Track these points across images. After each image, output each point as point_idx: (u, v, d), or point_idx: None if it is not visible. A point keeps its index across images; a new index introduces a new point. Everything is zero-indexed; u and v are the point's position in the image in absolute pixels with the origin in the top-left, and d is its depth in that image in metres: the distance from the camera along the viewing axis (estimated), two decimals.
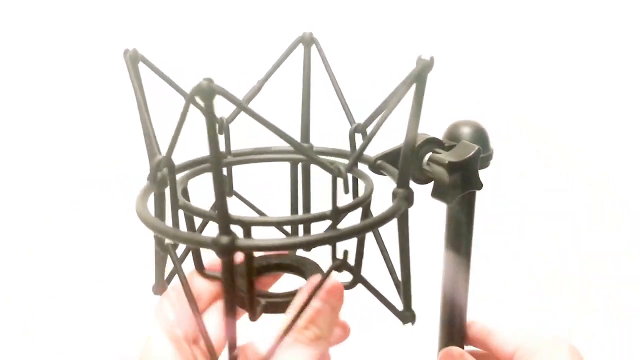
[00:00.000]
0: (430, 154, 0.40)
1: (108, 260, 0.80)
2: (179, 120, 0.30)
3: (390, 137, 0.42)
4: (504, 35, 0.78)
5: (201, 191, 0.41)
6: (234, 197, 0.43)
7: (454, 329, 0.47)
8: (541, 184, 0.80)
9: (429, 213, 0.52)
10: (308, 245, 0.29)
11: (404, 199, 0.32)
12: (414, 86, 0.31)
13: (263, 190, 0.47)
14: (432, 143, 0.40)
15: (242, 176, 0.43)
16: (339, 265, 0.31)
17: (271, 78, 0.41)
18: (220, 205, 0.27)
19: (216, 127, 0.26)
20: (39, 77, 0.79)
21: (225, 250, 0.27)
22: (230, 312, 0.29)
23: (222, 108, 0.40)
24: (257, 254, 0.38)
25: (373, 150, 0.40)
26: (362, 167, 0.40)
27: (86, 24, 0.78)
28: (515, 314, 0.82)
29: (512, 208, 0.81)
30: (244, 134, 0.43)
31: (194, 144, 0.40)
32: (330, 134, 0.43)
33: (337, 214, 0.31)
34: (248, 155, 0.42)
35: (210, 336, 0.32)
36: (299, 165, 0.42)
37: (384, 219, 0.31)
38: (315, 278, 0.32)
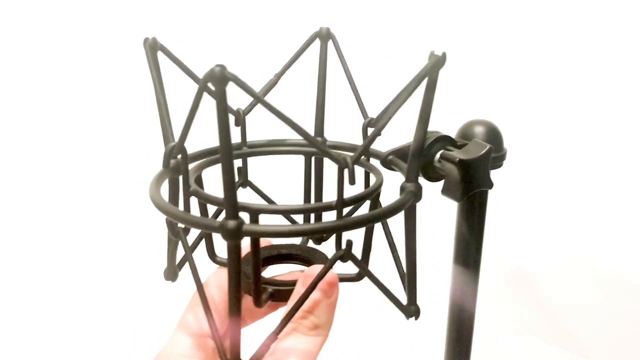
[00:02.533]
0: (442, 151, 0.41)
1: (121, 251, 0.81)
2: (191, 107, 0.30)
3: (404, 133, 0.44)
4: (521, 33, 0.79)
5: (219, 180, 0.42)
6: (248, 188, 0.43)
7: (462, 337, 0.48)
8: (557, 185, 0.81)
9: (440, 213, 0.53)
10: (312, 233, 0.29)
11: (410, 193, 0.33)
12: (425, 82, 0.31)
13: (278, 181, 0.48)
14: (444, 141, 0.42)
15: (258, 168, 0.44)
16: (342, 255, 0.32)
17: (288, 72, 0.41)
18: (228, 191, 0.27)
19: (227, 113, 0.26)
20: (48, 69, 0.79)
21: (232, 235, 0.27)
22: (235, 299, 0.29)
23: (239, 100, 0.41)
24: (264, 242, 0.39)
25: (388, 147, 0.41)
26: (375, 162, 0.41)
27: (103, 13, 0.78)
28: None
29: (525, 209, 0.83)
30: (261, 126, 0.43)
31: (212, 134, 0.41)
32: (345, 128, 0.43)
33: (342, 204, 0.31)
34: (262, 147, 0.42)
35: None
36: (312, 158, 0.43)
37: (390, 212, 0.32)
38: (314, 268, 0.32)
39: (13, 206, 0.81)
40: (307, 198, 0.43)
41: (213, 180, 0.42)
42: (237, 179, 0.43)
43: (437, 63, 0.30)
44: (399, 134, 0.42)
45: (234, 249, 0.28)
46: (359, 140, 0.42)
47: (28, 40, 0.78)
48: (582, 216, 0.80)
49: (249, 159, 0.43)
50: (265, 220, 0.31)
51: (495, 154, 0.44)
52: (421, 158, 0.42)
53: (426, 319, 0.37)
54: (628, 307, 0.80)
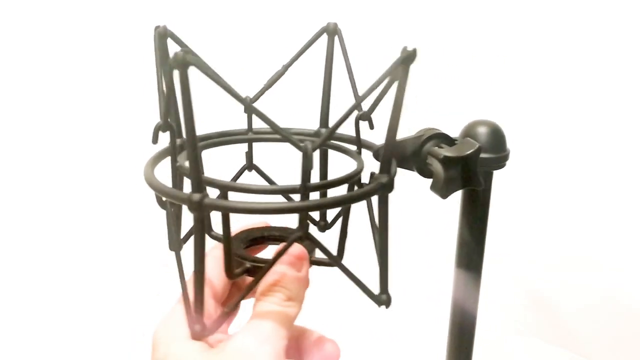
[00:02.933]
0: (431, 148, 0.42)
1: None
2: (166, 88, 0.32)
3: (406, 128, 0.45)
4: (521, 33, 0.79)
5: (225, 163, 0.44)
6: (254, 171, 0.46)
7: (464, 337, 0.49)
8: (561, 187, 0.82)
9: (443, 213, 0.54)
10: (273, 212, 0.30)
11: (380, 184, 0.33)
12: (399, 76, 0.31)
13: (291, 168, 0.50)
14: (439, 138, 0.43)
15: (268, 154, 0.46)
16: (300, 236, 0.33)
17: (296, 64, 0.43)
18: (192, 166, 0.29)
19: (190, 93, 0.27)
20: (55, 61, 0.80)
21: (194, 207, 0.29)
22: (199, 269, 0.31)
23: (249, 87, 0.44)
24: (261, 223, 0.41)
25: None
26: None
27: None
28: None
29: (526, 210, 0.83)
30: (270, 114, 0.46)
31: (221, 118, 0.44)
32: (351, 121, 0.45)
33: (306, 188, 0.32)
34: (267, 134, 0.45)
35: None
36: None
37: (352, 199, 0.33)
38: (282, 246, 0.33)
39: (9, 205, 0.81)
40: None
41: (221, 164, 0.45)
42: (244, 163, 0.46)
43: (407, 58, 0.30)
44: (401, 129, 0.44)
45: (199, 219, 0.30)
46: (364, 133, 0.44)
47: (20, 36, 0.80)
48: (583, 217, 0.81)
49: (259, 146, 0.45)
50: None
51: (498, 155, 0.44)
52: (416, 155, 0.44)
53: (428, 318, 0.37)
54: (628, 307, 0.80)
